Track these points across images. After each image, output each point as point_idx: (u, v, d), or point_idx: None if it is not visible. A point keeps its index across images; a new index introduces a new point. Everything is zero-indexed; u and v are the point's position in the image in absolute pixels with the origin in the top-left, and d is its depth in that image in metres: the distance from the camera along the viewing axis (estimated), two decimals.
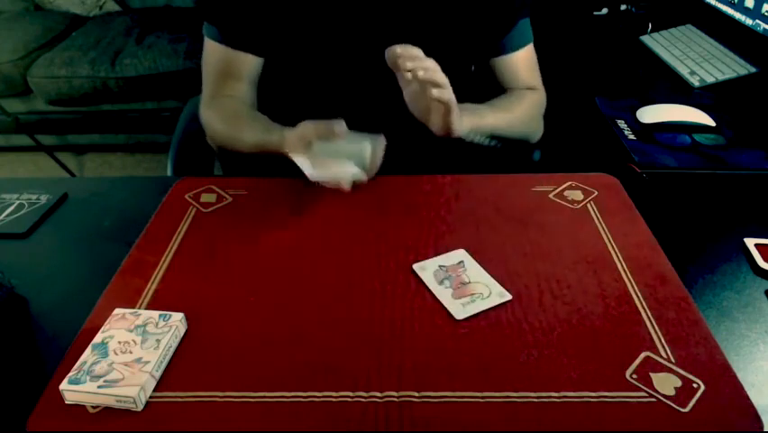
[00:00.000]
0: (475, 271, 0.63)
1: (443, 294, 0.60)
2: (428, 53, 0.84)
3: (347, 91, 0.89)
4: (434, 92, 0.69)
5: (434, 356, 0.53)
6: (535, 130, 0.95)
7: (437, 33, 0.84)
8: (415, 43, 0.83)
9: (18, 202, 0.79)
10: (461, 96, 0.79)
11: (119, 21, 2.44)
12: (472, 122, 0.79)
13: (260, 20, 0.84)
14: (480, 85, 0.93)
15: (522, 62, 0.91)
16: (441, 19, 0.84)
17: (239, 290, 0.62)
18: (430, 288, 0.61)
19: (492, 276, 0.62)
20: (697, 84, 1.12)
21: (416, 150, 0.94)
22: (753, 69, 1.12)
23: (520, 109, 0.90)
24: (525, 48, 0.91)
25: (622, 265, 0.64)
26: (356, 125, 0.91)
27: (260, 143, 0.79)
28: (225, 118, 0.87)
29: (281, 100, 0.92)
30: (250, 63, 0.87)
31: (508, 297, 0.59)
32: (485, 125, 0.82)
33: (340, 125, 0.68)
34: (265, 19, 0.84)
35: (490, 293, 0.60)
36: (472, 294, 0.60)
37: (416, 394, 0.50)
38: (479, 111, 0.82)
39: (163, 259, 0.67)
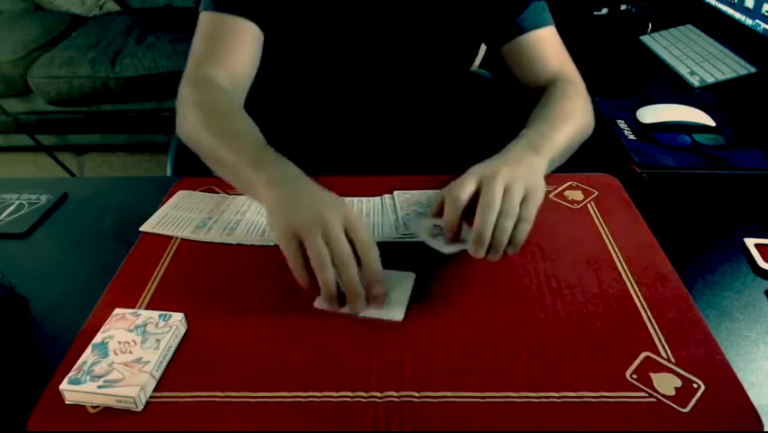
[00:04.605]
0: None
1: (434, 243, 0.60)
2: (435, 38, 0.80)
3: (349, 81, 0.87)
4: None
5: (434, 356, 0.53)
6: (590, 125, 0.79)
7: (445, 15, 0.81)
8: (422, 28, 0.79)
9: (18, 202, 0.79)
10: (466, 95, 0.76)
11: (119, 21, 2.44)
12: (547, 156, 0.66)
13: None
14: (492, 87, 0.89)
15: (547, 41, 0.83)
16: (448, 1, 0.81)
17: (239, 290, 0.62)
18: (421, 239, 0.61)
19: (492, 276, 0.62)
20: (697, 84, 1.12)
21: (416, 148, 0.94)
22: (753, 69, 1.12)
23: (570, 106, 0.76)
24: (546, 28, 0.83)
25: (622, 265, 0.64)
26: (358, 120, 0.90)
27: (237, 167, 0.63)
28: (205, 104, 0.72)
29: (278, 91, 0.90)
30: (246, 31, 0.77)
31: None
32: (556, 151, 0.69)
33: None
34: None
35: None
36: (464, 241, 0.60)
37: (416, 394, 0.50)
38: (539, 140, 0.67)
39: (163, 259, 0.67)
